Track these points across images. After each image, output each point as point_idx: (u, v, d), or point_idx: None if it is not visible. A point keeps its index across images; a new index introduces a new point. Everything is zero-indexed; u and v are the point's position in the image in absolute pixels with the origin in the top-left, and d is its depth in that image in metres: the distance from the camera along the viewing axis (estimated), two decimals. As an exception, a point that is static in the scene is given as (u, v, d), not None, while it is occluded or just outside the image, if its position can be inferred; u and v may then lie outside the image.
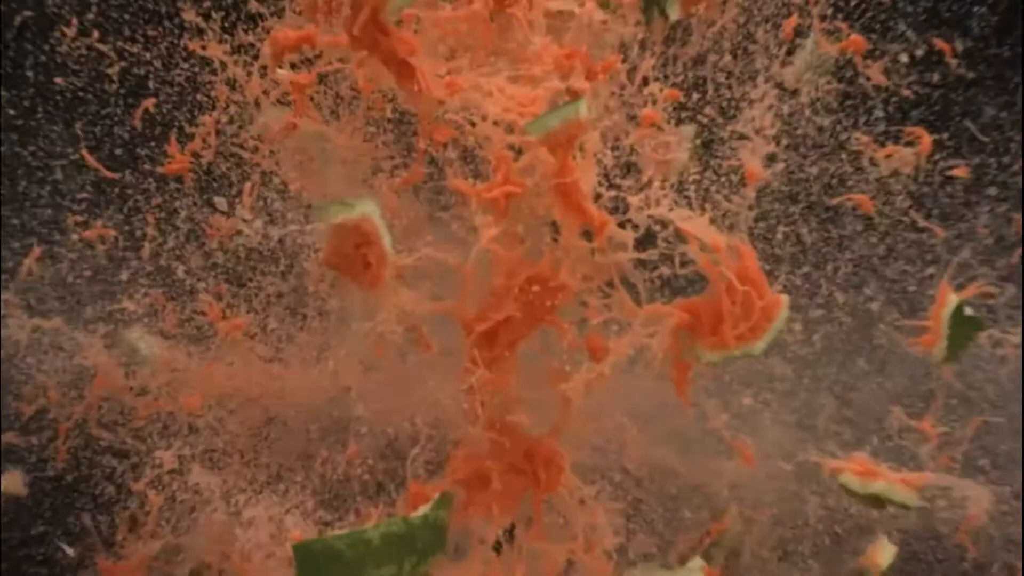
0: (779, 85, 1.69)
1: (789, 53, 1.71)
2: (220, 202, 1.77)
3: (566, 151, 1.34)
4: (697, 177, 1.60)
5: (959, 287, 1.67)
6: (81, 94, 1.84)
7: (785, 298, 1.37)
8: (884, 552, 1.62)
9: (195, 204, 1.82)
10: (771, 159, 1.66)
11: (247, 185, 1.71)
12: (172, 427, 1.79)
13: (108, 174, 1.83)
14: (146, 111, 1.77)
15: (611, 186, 1.44)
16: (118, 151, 1.85)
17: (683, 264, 1.42)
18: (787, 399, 1.85)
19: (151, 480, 1.76)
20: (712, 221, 1.42)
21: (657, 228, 1.44)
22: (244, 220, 1.77)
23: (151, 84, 1.79)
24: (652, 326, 1.42)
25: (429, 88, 1.36)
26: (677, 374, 1.42)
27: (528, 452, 1.42)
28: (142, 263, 1.85)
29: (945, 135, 1.80)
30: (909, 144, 1.77)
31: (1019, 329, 1.74)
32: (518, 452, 1.42)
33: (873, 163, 1.77)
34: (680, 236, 1.42)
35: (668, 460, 1.79)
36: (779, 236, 1.79)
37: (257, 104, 1.62)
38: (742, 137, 1.66)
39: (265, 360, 1.83)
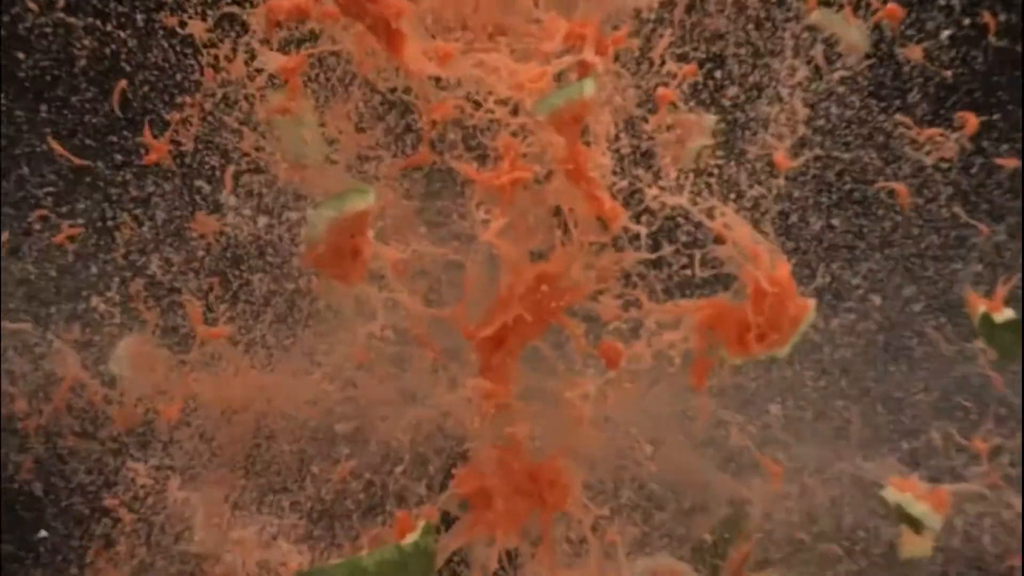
0: (809, 64, 1.62)
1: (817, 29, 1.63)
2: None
3: (573, 132, 1.29)
4: (719, 164, 1.51)
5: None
6: (48, 75, 1.74)
7: (812, 302, 1.31)
8: (916, 544, 1.52)
9: (176, 198, 1.75)
10: (800, 146, 1.60)
11: (228, 170, 1.63)
12: (149, 438, 1.71)
13: (78, 162, 1.73)
14: (121, 95, 1.68)
15: (624, 174, 1.39)
16: (89, 140, 1.75)
17: (703, 263, 1.36)
18: (818, 409, 1.77)
19: (125, 496, 1.68)
20: (735, 212, 1.36)
21: (680, 221, 1.41)
22: (237, 214, 1.70)
23: (125, 65, 1.69)
24: (671, 328, 1.36)
25: (414, 57, 1.30)
26: (697, 370, 1.35)
27: (533, 472, 1.38)
28: (117, 262, 1.76)
29: (990, 120, 1.70)
30: (952, 128, 1.68)
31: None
32: (522, 472, 1.38)
33: (914, 149, 1.69)
34: (708, 235, 1.37)
35: (688, 477, 1.71)
36: (808, 230, 1.72)
37: (243, 87, 1.56)
38: (768, 122, 1.60)
39: (254, 367, 1.76)
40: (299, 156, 1.55)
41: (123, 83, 1.66)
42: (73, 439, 1.73)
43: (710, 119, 1.58)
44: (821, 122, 1.66)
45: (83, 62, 1.71)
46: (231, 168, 1.62)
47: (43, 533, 1.73)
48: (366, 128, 1.59)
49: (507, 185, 1.31)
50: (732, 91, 1.61)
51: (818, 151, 1.65)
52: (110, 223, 1.77)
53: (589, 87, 1.25)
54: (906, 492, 1.49)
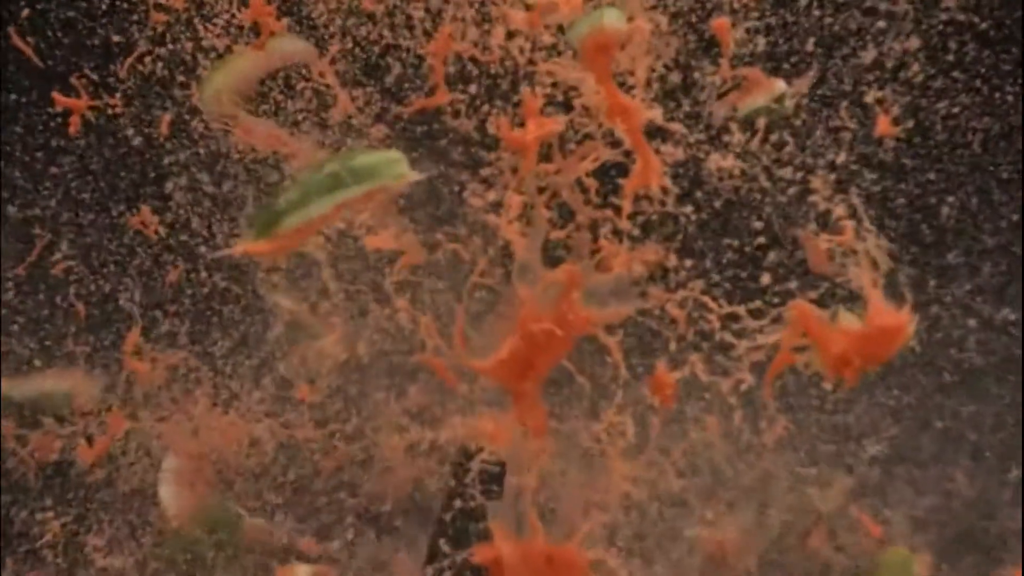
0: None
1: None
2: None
3: (603, 67, 1.21)
4: (801, 130, 1.41)
5: None
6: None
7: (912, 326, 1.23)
8: None
9: (107, 184, 1.58)
10: (906, 105, 1.46)
11: (165, 117, 1.48)
12: (64, 485, 1.55)
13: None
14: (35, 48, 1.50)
15: (681, 139, 1.28)
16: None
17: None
18: (925, 448, 1.61)
19: (30, 555, 1.54)
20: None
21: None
22: (187, 191, 1.55)
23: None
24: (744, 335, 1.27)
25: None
26: (775, 365, 1.26)
27: (549, 555, 1.27)
28: (29, 273, 1.59)
29: None
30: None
31: None
32: (538, 554, 1.28)
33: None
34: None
35: (753, 540, 1.56)
36: (913, 217, 1.55)
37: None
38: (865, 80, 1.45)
39: (209, 402, 1.62)
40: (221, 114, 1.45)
41: (25, 13, 1.48)
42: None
43: (781, 84, 1.45)
44: (934, 70, 1.49)
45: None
46: (168, 116, 1.49)
47: None
48: (351, 84, 1.50)
49: (533, 144, 1.21)
50: (815, 32, 1.46)
51: (938, 110, 1.50)
52: (18, 215, 1.61)
53: (611, 16, 1.21)
54: None
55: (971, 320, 1.61)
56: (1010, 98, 1.54)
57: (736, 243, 1.40)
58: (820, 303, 1.27)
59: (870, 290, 1.22)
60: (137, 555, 1.54)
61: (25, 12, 1.48)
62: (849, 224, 1.24)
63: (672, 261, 1.30)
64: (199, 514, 1.55)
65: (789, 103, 1.46)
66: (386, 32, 1.44)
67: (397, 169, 1.18)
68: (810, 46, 1.46)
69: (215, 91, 1.41)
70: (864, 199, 1.38)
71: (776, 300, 1.29)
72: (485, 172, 1.29)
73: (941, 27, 1.48)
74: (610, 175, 1.27)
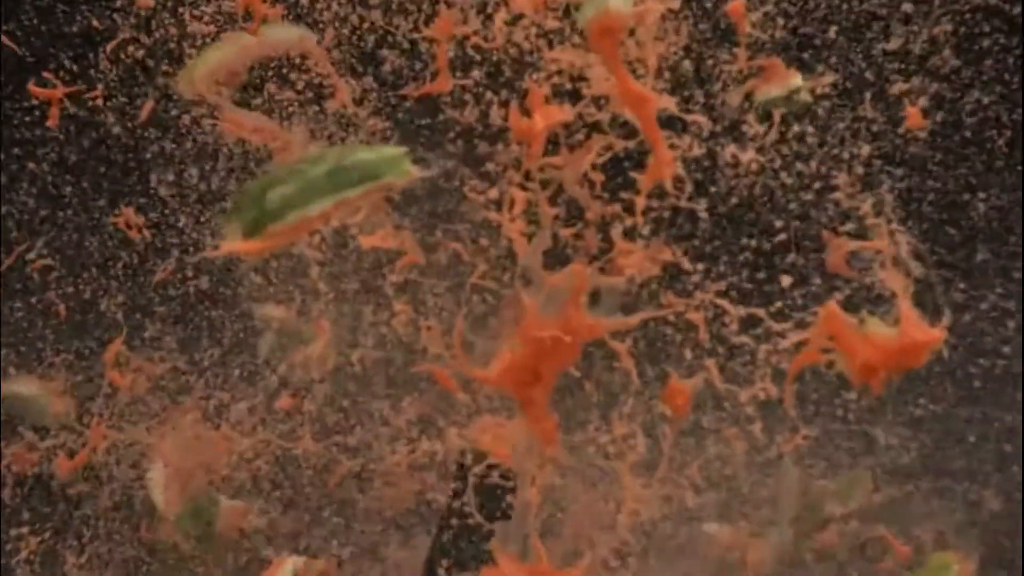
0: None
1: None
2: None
3: (611, 51, 1.18)
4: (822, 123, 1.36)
5: None
6: None
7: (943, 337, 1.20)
8: None
9: (88, 180, 1.53)
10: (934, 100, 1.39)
11: (147, 104, 1.43)
12: (42, 500, 1.51)
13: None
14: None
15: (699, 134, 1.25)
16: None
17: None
18: (953, 460, 1.56)
19: (5, 573, 1.51)
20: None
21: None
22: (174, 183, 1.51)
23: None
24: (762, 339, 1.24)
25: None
26: (799, 360, 1.22)
27: None
28: (11, 272, 1.55)
29: None
30: None
31: None
32: None
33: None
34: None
35: (772, 553, 1.51)
36: (935, 215, 1.49)
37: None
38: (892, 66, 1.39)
39: (199, 413, 1.59)
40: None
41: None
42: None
43: (797, 78, 1.40)
44: (962, 60, 1.43)
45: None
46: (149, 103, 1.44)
47: None
48: (348, 73, 1.44)
49: (541, 134, 1.18)
50: (837, 17, 1.40)
51: (966, 101, 1.43)
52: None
53: (617, -1, 1.25)
54: None
55: (1001, 325, 1.53)
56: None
57: (754, 243, 1.35)
58: (844, 306, 1.18)
59: (902, 299, 1.16)
60: (118, 572, 1.49)
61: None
62: (876, 225, 1.21)
63: (687, 262, 1.25)
64: (189, 510, 1.50)
65: (805, 95, 1.40)
66: (384, 18, 1.38)
67: (400, 166, 1.13)
68: (832, 32, 1.39)
69: (192, 75, 1.34)
70: (890, 197, 1.34)
71: (800, 302, 1.25)
72: (487, 167, 1.27)
73: (970, 13, 1.41)
74: (620, 168, 1.22)
